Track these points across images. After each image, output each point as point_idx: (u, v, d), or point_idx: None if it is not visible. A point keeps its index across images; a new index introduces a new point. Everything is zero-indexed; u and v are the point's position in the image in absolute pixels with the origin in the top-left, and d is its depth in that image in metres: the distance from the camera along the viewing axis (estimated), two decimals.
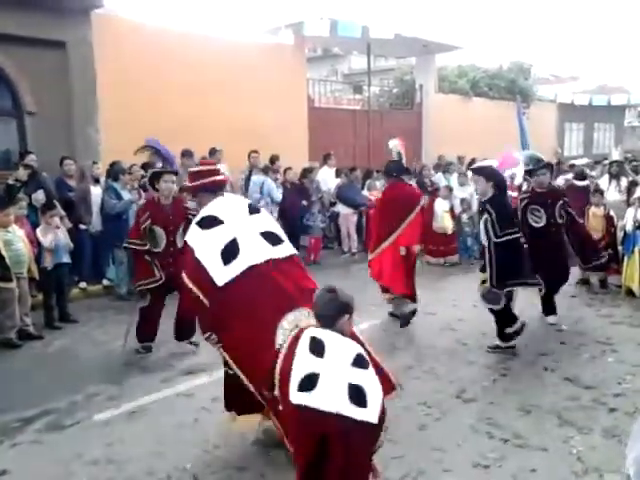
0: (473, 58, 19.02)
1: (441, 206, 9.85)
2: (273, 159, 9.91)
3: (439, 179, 11.27)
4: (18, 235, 6.00)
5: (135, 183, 8.01)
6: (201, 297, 3.39)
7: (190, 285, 3.43)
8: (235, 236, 3.40)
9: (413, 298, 6.30)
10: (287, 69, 11.84)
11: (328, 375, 2.32)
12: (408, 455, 3.60)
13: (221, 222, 3.49)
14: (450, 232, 9.79)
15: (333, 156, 11.20)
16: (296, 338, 2.58)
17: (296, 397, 2.31)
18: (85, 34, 8.67)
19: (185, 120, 9.73)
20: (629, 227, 7.16)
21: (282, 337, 3.10)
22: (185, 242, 3.64)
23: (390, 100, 16.72)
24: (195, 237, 3.53)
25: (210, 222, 3.51)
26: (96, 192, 7.90)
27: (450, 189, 10.23)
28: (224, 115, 10.36)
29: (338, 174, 10.86)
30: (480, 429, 3.93)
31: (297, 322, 3.19)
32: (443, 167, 12.16)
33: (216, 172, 3.95)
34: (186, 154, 9.25)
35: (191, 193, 4.07)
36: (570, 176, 10.13)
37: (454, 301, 7.24)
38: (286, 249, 3.55)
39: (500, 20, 52.81)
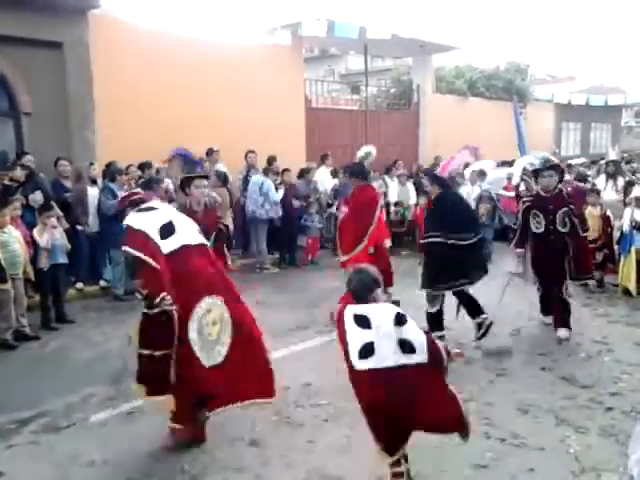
0: (470, 59, 19.09)
1: None
2: (271, 160, 9.91)
3: None
4: (14, 236, 5.99)
5: (132, 183, 8.00)
6: (150, 261, 3.51)
7: (136, 253, 3.53)
8: (171, 219, 3.77)
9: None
10: (284, 69, 11.84)
11: (380, 340, 2.91)
12: None
13: (157, 209, 3.86)
14: None
15: (330, 156, 11.20)
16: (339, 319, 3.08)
17: (360, 364, 2.91)
18: (82, 35, 8.66)
19: (182, 120, 9.72)
20: (626, 227, 7.18)
21: (196, 316, 3.56)
22: (126, 225, 3.75)
23: (387, 100, 16.73)
24: (134, 218, 3.75)
25: (147, 209, 3.84)
26: (93, 193, 7.88)
27: None
28: (222, 115, 10.35)
29: (335, 174, 10.85)
30: (477, 429, 3.92)
31: (210, 307, 3.62)
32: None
33: (137, 193, 4.37)
34: None
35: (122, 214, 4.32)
36: (568, 177, 10.15)
37: (451, 301, 7.23)
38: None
39: (497, 21, 52.98)
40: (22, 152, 7.85)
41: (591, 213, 7.72)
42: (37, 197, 6.97)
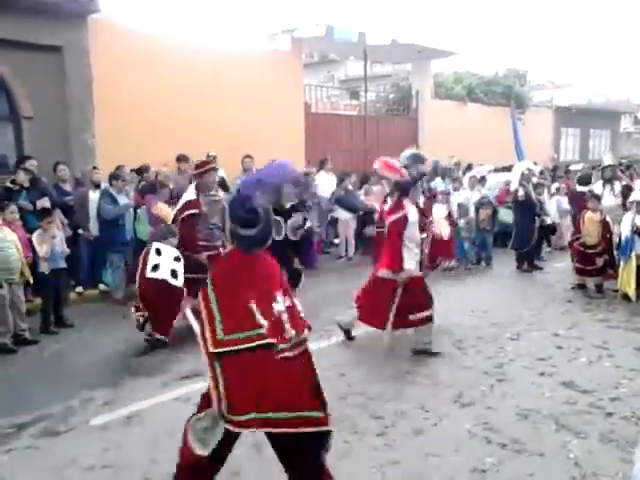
0: (469, 64, 19.12)
1: (438, 212, 9.82)
2: None
3: (438, 185, 11.26)
4: (9, 240, 5.88)
5: (129, 187, 8.02)
6: None
7: None
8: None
9: None
10: (284, 75, 11.87)
11: (164, 264, 5.52)
12: (405, 460, 3.59)
13: None
14: (446, 238, 9.72)
15: (330, 161, 11.21)
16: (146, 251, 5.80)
17: (150, 274, 5.54)
18: (82, 39, 8.68)
19: (181, 125, 9.74)
20: (626, 232, 7.16)
21: None
22: None
23: (386, 106, 16.77)
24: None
25: None
26: (94, 197, 7.86)
27: (447, 194, 10.21)
28: (221, 120, 10.37)
29: (342, 179, 10.73)
30: (478, 434, 3.93)
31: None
32: (442, 172, 12.17)
33: None
34: (181, 159, 9.27)
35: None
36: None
37: (451, 306, 7.24)
38: None
39: (496, 27, 53.17)
40: (24, 156, 7.81)
41: (591, 218, 7.72)
42: (46, 203, 6.94)
